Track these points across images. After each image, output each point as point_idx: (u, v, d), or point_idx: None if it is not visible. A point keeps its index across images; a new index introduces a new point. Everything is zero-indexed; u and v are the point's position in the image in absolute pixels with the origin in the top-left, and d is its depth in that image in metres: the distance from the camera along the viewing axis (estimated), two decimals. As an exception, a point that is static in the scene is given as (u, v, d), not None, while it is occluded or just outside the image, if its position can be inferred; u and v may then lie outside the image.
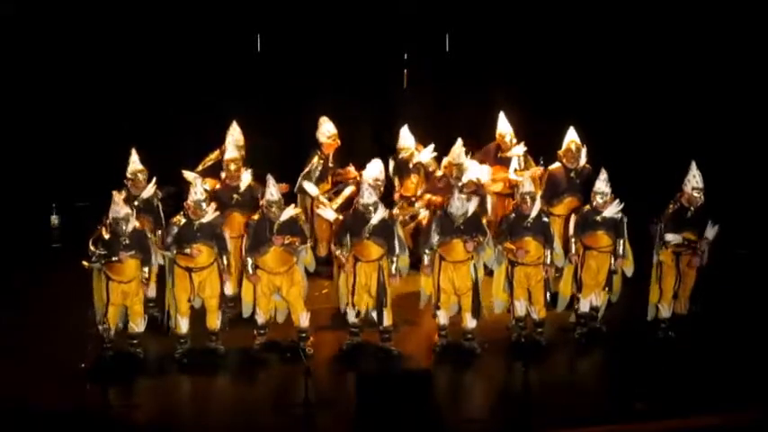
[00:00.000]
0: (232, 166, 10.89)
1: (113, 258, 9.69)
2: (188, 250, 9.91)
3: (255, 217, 10.12)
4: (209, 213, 10.04)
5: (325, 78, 14.23)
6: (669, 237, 10.18)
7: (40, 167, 13.71)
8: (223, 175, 10.97)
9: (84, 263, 9.81)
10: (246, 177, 10.96)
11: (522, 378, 9.40)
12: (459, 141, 11.25)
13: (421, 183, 11.79)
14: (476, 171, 11.26)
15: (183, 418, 9.43)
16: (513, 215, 10.23)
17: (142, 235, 9.93)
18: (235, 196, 10.89)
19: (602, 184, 10.20)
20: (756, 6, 14.11)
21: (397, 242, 10.18)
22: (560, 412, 9.28)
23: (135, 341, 10.10)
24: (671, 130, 14.07)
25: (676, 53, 14.33)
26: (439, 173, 11.53)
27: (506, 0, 14.62)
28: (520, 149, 11.73)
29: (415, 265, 10.61)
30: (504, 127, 11.81)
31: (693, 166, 10.12)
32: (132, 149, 10.58)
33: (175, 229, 9.99)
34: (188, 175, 10.96)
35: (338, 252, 10.14)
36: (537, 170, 11.53)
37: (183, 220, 10.01)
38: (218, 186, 10.96)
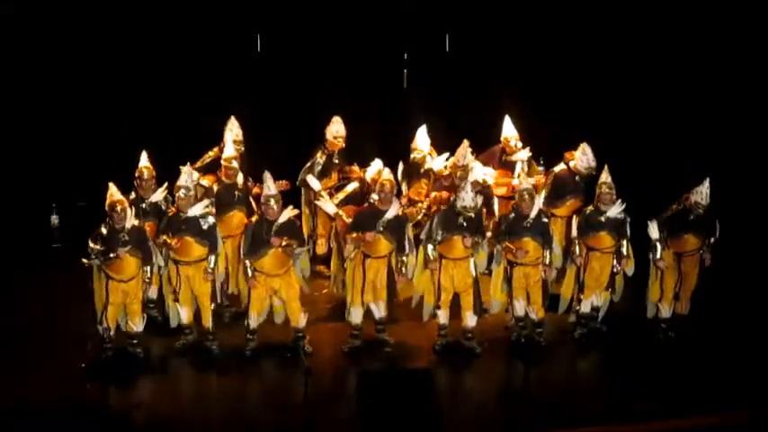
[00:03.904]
0: (234, 163, 10.90)
1: (111, 255, 9.68)
2: (168, 240, 9.94)
3: (254, 219, 10.11)
4: (198, 208, 10.04)
5: (325, 78, 14.25)
6: (651, 228, 10.18)
7: (40, 167, 13.71)
8: (220, 173, 10.97)
9: (84, 261, 9.80)
10: (240, 174, 10.96)
11: (522, 378, 9.40)
12: (465, 143, 11.22)
13: (429, 189, 11.75)
14: (481, 172, 11.25)
15: (184, 417, 9.41)
16: (513, 215, 10.22)
17: (141, 233, 9.91)
18: (236, 194, 10.90)
19: (604, 176, 10.20)
20: (757, 9, 14.14)
21: (406, 241, 10.20)
22: (560, 412, 9.29)
23: (135, 341, 10.10)
24: (672, 130, 14.08)
25: (678, 54, 14.35)
26: (445, 172, 11.52)
27: (507, 0, 14.65)
28: (524, 154, 11.69)
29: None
30: (509, 131, 11.78)
31: (706, 183, 10.11)
32: (143, 151, 10.57)
33: (165, 220, 10.04)
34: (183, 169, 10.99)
35: (350, 245, 10.13)
36: (539, 178, 11.50)
37: (173, 211, 10.07)
38: (216, 187, 10.96)
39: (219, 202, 10.76)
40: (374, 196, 10.23)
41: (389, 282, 10.22)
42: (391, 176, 10.37)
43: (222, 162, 10.95)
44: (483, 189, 11.06)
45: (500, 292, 10.43)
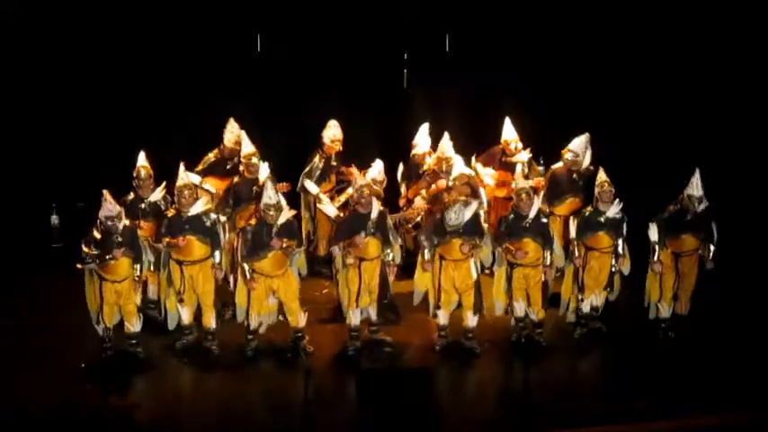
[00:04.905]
0: (254, 160, 10.95)
1: (107, 257, 9.68)
2: (173, 240, 9.94)
3: (252, 222, 10.11)
4: (198, 206, 10.06)
5: (325, 78, 14.25)
6: (651, 229, 10.20)
7: (40, 167, 13.72)
8: (242, 168, 11.02)
9: (79, 265, 9.81)
10: (265, 170, 10.99)
11: (522, 378, 9.39)
12: (446, 135, 11.25)
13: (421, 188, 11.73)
14: (462, 165, 11.26)
15: (184, 417, 9.42)
16: (512, 216, 10.22)
17: (133, 233, 9.92)
18: (255, 189, 10.93)
19: (602, 174, 10.23)
20: (756, 9, 14.15)
21: (390, 234, 10.23)
22: (560, 412, 9.29)
23: (134, 341, 10.11)
24: (671, 130, 14.08)
25: (678, 54, 14.36)
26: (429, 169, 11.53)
27: (507, 0, 14.66)
28: (524, 156, 11.69)
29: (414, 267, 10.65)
30: (509, 134, 11.77)
31: (696, 174, 10.12)
32: (141, 151, 10.58)
33: (166, 222, 10.04)
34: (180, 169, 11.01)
35: (343, 254, 10.14)
36: (539, 180, 11.48)
37: (173, 212, 10.07)
38: (235, 179, 10.99)
39: (237, 195, 10.92)
40: (352, 201, 10.25)
41: (381, 283, 10.22)
42: (369, 179, 10.36)
43: (242, 159, 11.02)
44: (469, 180, 11.08)
45: (503, 294, 10.42)
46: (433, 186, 11.26)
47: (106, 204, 9.70)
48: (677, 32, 14.29)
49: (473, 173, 11.38)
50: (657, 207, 10.44)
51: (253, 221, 10.06)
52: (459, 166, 11.19)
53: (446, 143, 11.29)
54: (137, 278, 9.97)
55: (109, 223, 9.68)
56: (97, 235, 9.74)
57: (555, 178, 11.31)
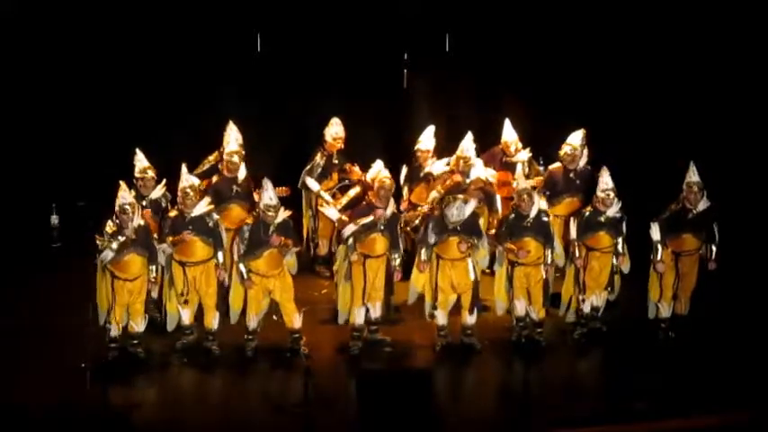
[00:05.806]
0: (235, 158, 10.95)
1: (121, 237, 9.66)
2: (177, 237, 9.94)
3: (249, 221, 10.10)
4: (201, 206, 10.06)
5: (325, 78, 14.24)
6: (653, 229, 10.20)
7: (40, 167, 13.71)
8: (221, 167, 11.00)
9: (96, 261, 9.81)
10: (243, 170, 11.00)
11: (522, 378, 9.39)
12: (470, 135, 11.22)
13: (427, 193, 11.69)
14: (482, 169, 11.24)
15: (184, 417, 9.42)
16: (513, 215, 10.24)
17: (147, 232, 9.94)
18: (234, 188, 10.93)
19: (607, 179, 10.21)
20: (756, 6, 14.13)
21: (399, 238, 10.23)
22: (560, 412, 9.29)
23: (136, 341, 10.11)
24: (671, 130, 14.07)
25: (678, 53, 14.35)
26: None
27: (507, 1, 14.65)
28: (524, 155, 11.67)
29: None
30: (509, 135, 11.76)
31: (691, 163, 10.15)
32: (137, 150, 10.58)
33: (169, 222, 10.04)
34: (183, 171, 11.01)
35: (351, 253, 10.14)
36: (539, 179, 11.47)
37: (176, 213, 10.06)
38: (215, 179, 11.00)
39: (217, 195, 10.83)
40: (369, 195, 10.25)
41: (386, 282, 10.23)
42: (389, 175, 10.37)
43: (224, 156, 11.00)
44: (485, 186, 11.07)
45: (504, 294, 10.42)
46: (448, 181, 11.20)
47: (122, 193, 9.76)
48: (678, 32, 14.27)
49: (491, 179, 11.33)
50: (657, 207, 10.44)
51: (249, 220, 10.07)
52: (478, 169, 11.15)
53: (468, 143, 11.21)
54: (152, 279, 9.98)
55: (125, 208, 9.69)
56: (109, 229, 9.74)
57: (552, 178, 11.30)
